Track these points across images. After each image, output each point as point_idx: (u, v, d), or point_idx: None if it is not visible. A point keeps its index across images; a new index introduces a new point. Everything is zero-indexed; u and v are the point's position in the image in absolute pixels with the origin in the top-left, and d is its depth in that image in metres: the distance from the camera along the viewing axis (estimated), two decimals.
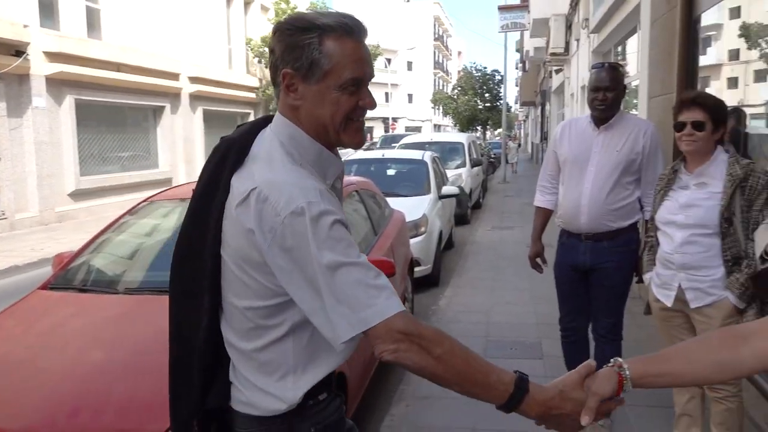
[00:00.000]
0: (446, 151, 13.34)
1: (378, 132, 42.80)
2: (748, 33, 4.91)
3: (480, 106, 44.19)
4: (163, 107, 16.99)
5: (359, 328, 1.21)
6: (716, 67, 5.45)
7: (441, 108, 49.56)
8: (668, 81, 5.26)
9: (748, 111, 4.83)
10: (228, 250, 1.33)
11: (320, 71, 1.30)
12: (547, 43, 17.07)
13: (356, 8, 42.34)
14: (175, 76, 17.04)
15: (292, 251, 1.22)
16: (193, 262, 1.38)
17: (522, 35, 25.36)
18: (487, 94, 44.01)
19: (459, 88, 45.51)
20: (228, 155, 1.36)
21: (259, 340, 1.35)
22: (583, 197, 3.29)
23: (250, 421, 1.39)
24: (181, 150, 17.69)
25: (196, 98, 18.24)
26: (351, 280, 1.21)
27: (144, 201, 4.21)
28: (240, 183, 1.31)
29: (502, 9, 21.63)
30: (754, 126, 4.69)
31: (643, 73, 6.32)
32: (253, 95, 21.01)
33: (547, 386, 1.31)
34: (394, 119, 50.48)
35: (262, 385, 1.36)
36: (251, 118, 22.59)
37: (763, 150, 4.44)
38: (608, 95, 3.20)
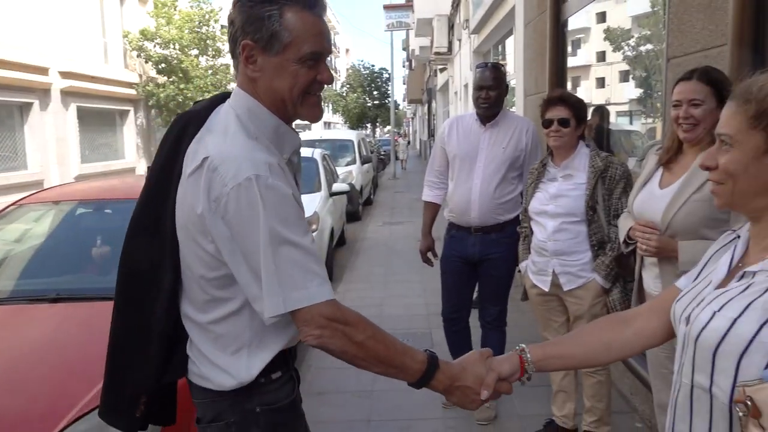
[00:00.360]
0: (336, 149, 13.40)
1: None
2: (612, 36, 5.33)
3: (369, 104, 44.61)
4: (30, 104, 15.71)
5: (287, 308, 1.23)
6: (585, 68, 5.86)
7: (330, 105, 49.52)
8: (541, 80, 5.61)
9: (614, 108, 5.26)
10: (180, 219, 1.34)
11: (280, 44, 1.30)
12: (432, 42, 17.56)
13: None
14: (43, 71, 15.80)
15: (234, 222, 1.24)
16: (153, 236, 1.39)
17: (408, 34, 25.92)
18: (375, 92, 44.50)
19: (348, 86, 45.71)
20: (187, 129, 1.37)
21: (214, 312, 1.36)
22: (473, 192, 3.43)
23: (203, 393, 1.41)
24: (54, 150, 16.46)
25: (68, 94, 17.02)
26: (290, 259, 1.23)
27: (12, 205, 3.90)
28: (194, 153, 1.31)
29: (388, 8, 21.98)
30: (618, 123, 5.12)
31: (519, 72, 6.69)
32: (132, 91, 19.94)
33: (452, 362, 1.43)
34: None
35: (216, 359, 1.37)
36: (131, 116, 21.24)
37: (623, 144, 4.86)
38: (491, 94, 3.35)
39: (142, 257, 1.42)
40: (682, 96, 2.13)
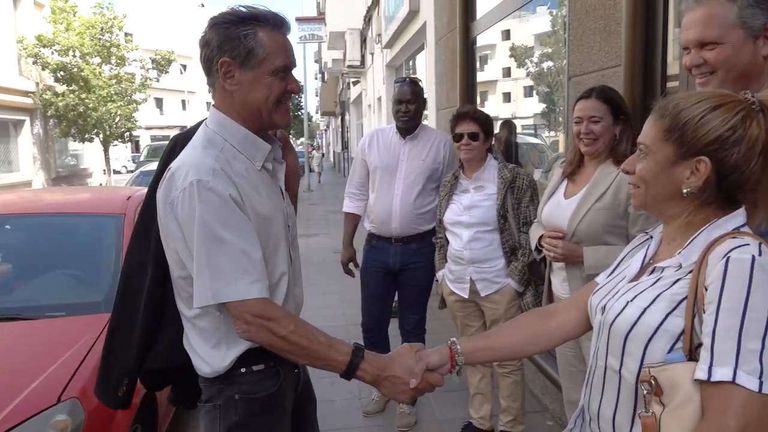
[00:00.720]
0: None
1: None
2: (517, 53, 5.60)
3: None
4: None
5: (213, 300, 1.40)
6: (492, 83, 6.10)
7: None
8: (452, 95, 5.80)
9: (519, 122, 5.52)
10: (160, 226, 1.52)
11: (256, 59, 1.49)
12: (344, 55, 17.67)
13: (149, 12, 39.90)
14: None
15: (182, 222, 1.41)
16: (143, 240, 1.65)
17: (320, 46, 25.94)
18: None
19: None
20: (175, 147, 1.62)
21: (194, 308, 1.48)
22: (394, 203, 3.51)
23: (201, 378, 1.59)
24: None
25: None
26: (224, 255, 1.38)
27: None
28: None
29: (300, 20, 21.92)
30: (523, 136, 5.37)
31: (431, 87, 6.88)
32: (28, 100, 18.75)
33: (380, 355, 1.53)
34: None
35: (199, 349, 1.54)
36: (27, 126, 19.90)
37: (530, 156, 5.12)
38: (411, 107, 3.47)
39: (134, 259, 1.69)
40: (582, 113, 2.30)
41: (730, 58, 1.42)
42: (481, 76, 5.73)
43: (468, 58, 5.40)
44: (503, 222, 2.96)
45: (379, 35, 12.12)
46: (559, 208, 2.38)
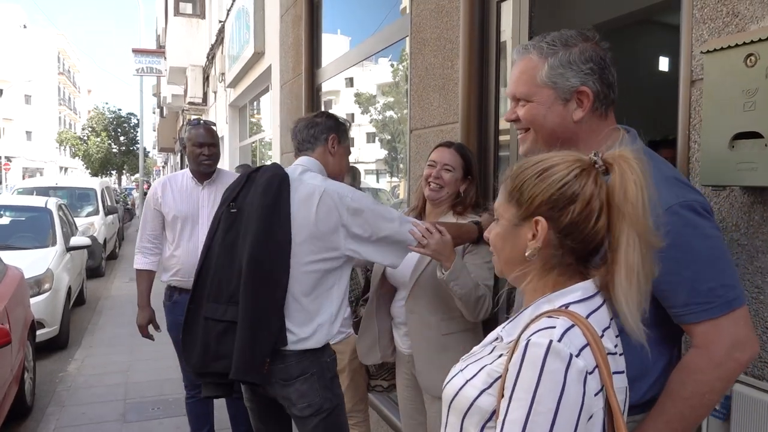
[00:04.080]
0: (76, 198, 12.11)
1: None
2: (360, 100, 5.74)
3: (115, 150, 41.42)
4: None
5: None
6: None
7: (68, 149, 44.88)
8: None
9: (362, 167, 5.62)
10: (302, 235, 2.13)
11: (346, 140, 2.45)
12: (185, 91, 17.07)
13: None
14: None
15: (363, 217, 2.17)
16: (274, 245, 2.09)
17: (159, 80, 24.82)
18: (122, 137, 41.52)
19: (90, 129, 41.91)
20: (283, 182, 2.16)
21: (316, 293, 2.14)
22: (200, 251, 3.29)
23: (293, 356, 2.10)
24: None
25: None
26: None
27: None
28: (309, 192, 2.16)
29: (137, 52, 20.88)
30: (366, 181, 5.48)
31: (276, 130, 6.82)
32: None
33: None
34: (8, 158, 43.63)
35: (316, 323, 2.13)
36: None
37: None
38: (213, 150, 3.32)
39: (265, 259, 2.05)
40: (438, 158, 2.35)
41: (537, 117, 1.38)
42: None
43: (313, 104, 5.42)
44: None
45: (223, 74, 11.87)
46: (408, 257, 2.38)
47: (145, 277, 3.44)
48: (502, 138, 2.75)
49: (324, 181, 2.17)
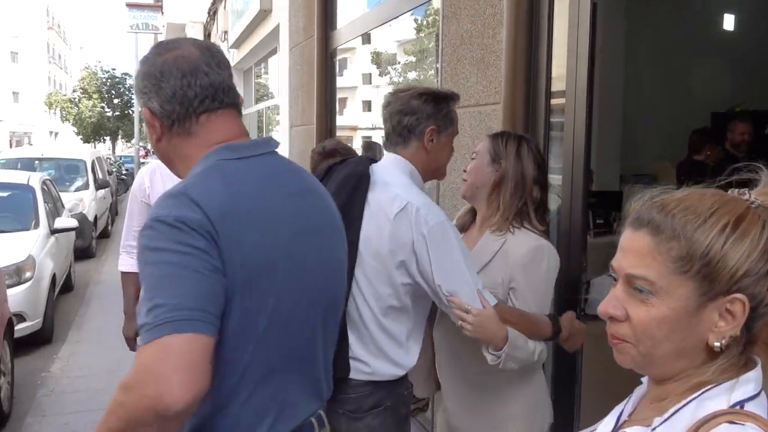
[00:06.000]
0: (63, 170, 12.05)
1: None
2: (378, 60, 5.52)
3: (108, 113, 41.57)
4: None
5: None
6: (351, 90, 5.99)
7: (59, 113, 45.10)
8: (308, 112, 5.57)
9: (381, 134, 5.42)
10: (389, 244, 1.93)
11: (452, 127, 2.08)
12: None
13: None
14: None
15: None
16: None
17: (156, 38, 24.64)
18: (117, 100, 41.64)
19: (81, 90, 42.05)
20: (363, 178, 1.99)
21: (391, 315, 1.94)
22: None
23: (364, 386, 1.92)
24: None
25: None
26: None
27: None
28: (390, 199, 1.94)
29: (132, 6, 20.68)
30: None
31: (284, 99, 6.62)
32: None
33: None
34: None
35: (389, 351, 1.92)
36: None
37: None
38: None
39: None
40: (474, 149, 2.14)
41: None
42: (339, 81, 5.58)
43: (327, 71, 5.20)
44: None
45: (226, 32, 11.66)
46: None
47: (132, 281, 3.23)
48: (553, 121, 2.57)
49: (410, 190, 1.92)
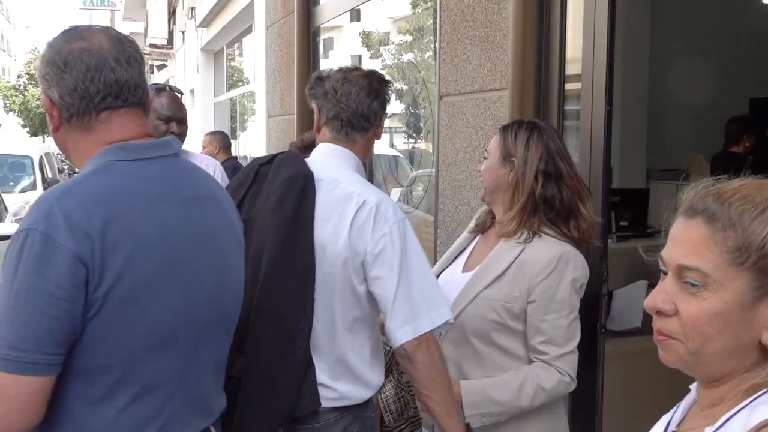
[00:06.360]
0: (7, 168, 12.05)
1: None
2: (370, 41, 5.53)
3: None
4: None
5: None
6: None
7: (1, 101, 44.98)
8: (288, 100, 5.58)
9: None
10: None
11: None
12: (146, 30, 16.92)
13: None
14: None
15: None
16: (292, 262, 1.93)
17: (113, 15, 24.65)
18: None
19: (27, 76, 41.97)
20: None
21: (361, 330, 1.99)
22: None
23: (330, 413, 1.93)
24: None
25: None
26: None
27: None
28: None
29: None
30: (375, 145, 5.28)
31: (261, 86, 6.63)
32: None
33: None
34: None
35: (360, 372, 1.96)
36: None
37: (389, 169, 5.01)
38: (182, 127, 3.19)
39: (280, 295, 1.90)
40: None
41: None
42: (324, 65, 5.58)
43: (309, 54, 5.22)
44: None
45: (193, 9, 11.66)
46: (452, 283, 2.15)
47: None
48: (567, 108, 2.58)
49: (365, 186, 1.96)
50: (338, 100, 1.96)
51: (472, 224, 2.30)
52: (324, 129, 2.03)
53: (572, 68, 2.53)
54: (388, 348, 2.67)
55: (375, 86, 2.00)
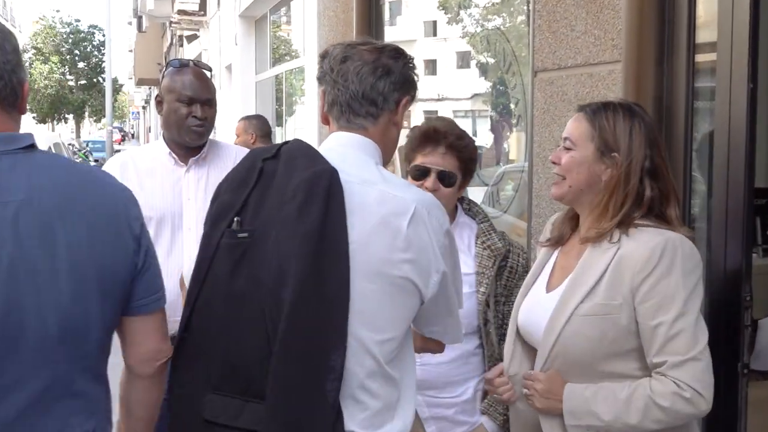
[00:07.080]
0: None
1: None
2: (446, 3, 5.57)
3: (71, 82, 42.97)
4: None
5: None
6: (408, 44, 6.02)
7: None
8: None
9: (450, 106, 5.46)
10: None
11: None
12: None
13: None
14: None
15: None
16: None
17: None
18: (82, 64, 43.04)
19: (35, 51, 43.59)
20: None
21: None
22: (185, 271, 3.19)
23: None
24: None
25: None
26: None
27: None
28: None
29: None
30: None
31: (312, 60, 6.74)
32: None
33: None
34: None
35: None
36: None
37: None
38: (208, 111, 3.29)
39: (311, 326, 1.89)
40: (565, 132, 2.20)
41: None
42: (390, 33, 5.64)
43: (372, 21, 5.31)
44: (484, 324, 2.78)
45: None
46: (537, 308, 2.23)
47: None
48: (698, 86, 2.59)
49: (406, 187, 2.00)
50: (335, 81, 1.97)
51: (545, 236, 2.36)
52: (330, 118, 2.06)
53: (705, 34, 2.53)
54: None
55: (384, 62, 1.99)
